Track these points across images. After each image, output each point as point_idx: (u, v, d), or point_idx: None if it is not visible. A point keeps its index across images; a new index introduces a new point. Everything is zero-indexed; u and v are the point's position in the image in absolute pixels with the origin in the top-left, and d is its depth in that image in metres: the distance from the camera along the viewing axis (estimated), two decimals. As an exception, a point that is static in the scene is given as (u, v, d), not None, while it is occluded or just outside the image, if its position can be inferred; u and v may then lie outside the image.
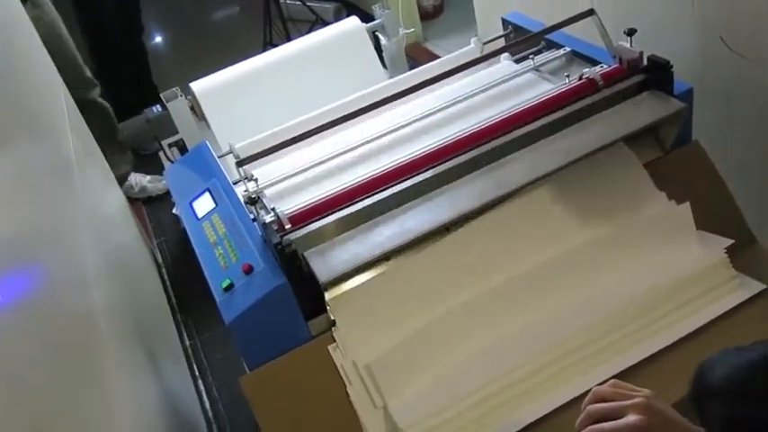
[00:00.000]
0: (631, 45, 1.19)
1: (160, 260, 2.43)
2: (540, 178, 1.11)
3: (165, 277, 2.33)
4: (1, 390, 0.59)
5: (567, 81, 1.26)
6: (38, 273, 0.89)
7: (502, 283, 1.06)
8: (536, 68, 1.37)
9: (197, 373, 1.93)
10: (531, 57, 1.39)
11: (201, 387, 1.89)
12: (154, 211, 2.72)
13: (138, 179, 2.79)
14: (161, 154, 1.98)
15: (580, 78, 1.23)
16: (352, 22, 1.84)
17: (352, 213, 1.08)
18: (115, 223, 1.87)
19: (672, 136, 1.17)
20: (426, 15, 3.43)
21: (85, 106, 2.33)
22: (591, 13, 1.25)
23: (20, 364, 0.66)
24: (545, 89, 1.29)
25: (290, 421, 1.01)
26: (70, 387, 0.79)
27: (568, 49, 1.38)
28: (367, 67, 1.80)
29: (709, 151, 1.18)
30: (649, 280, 1.05)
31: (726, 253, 1.07)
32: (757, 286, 1.05)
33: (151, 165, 2.81)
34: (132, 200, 2.70)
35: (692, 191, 1.12)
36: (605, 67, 1.24)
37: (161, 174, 2.64)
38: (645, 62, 1.19)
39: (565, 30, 1.33)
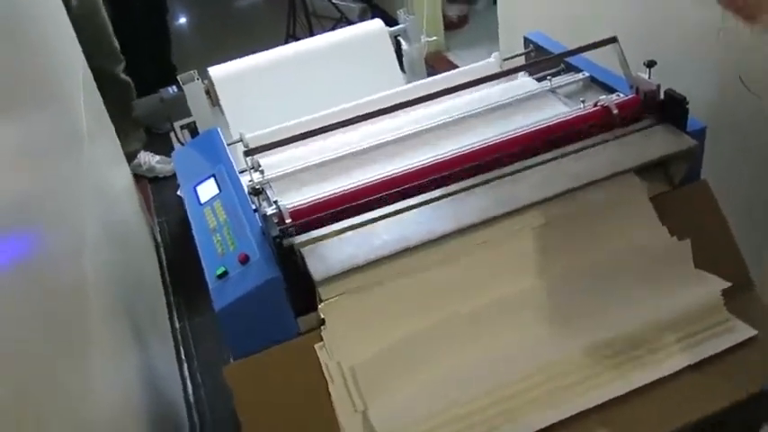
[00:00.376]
0: (650, 77, 1.19)
1: (159, 240, 2.43)
2: (546, 200, 1.10)
3: (163, 257, 2.33)
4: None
5: (582, 106, 1.26)
6: (35, 238, 0.89)
7: (494, 301, 1.05)
8: (553, 90, 1.37)
9: (183, 357, 1.93)
10: (549, 78, 1.39)
11: (186, 371, 1.89)
12: (159, 191, 2.73)
13: (148, 158, 2.80)
14: (172, 135, 1.98)
15: (595, 105, 1.23)
16: (376, 24, 1.85)
17: (353, 215, 1.07)
18: (118, 199, 1.88)
19: (681, 172, 1.17)
20: (450, 25, 3.43)
21: (107, 79, 2.34)
22: (613, 40, 1.25)
23: (6, 326, 0.66)
24: (559, 111, 1.29)
25: (269, 415, 1.01)
26: (54, 354, 0.79)
27: (587, 75, 1.38)
28: (385, 70, 1.80)
29: (717, 187, 1.17)
30: (641, 313, 1.05)
31: (721, 295, 1.07)
32: (748, 332, 1.04)
33: (162, 144, 2.81)
34: (139, 177, 2.71)
35: (694, 229, 1.12)
36: (622, 96, 1.24)
37: (170, 154, 2.64)
38: (662, 95, 1.18)
39: (585, 54, 1.33)
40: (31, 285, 0.80)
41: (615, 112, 1.19)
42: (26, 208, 0.90)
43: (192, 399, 1.80)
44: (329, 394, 1.01)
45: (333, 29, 3.25)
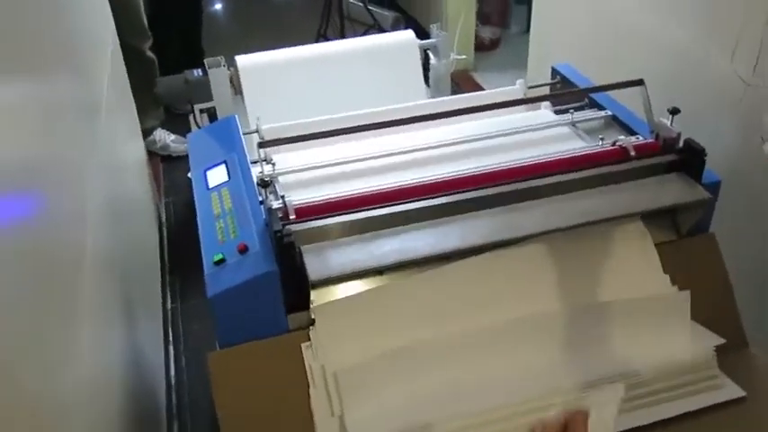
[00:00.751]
0: (671, 124, 1.18)
1: (164, 219, 2.44)
2: (551, 231, 1.10)
3: (165, 237, 2.34)
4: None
5: (600, 143, 1.25)
6: (38, 200, 0.89)
7: (485, 326, 1.05)
8: (573, 123, 1.37)
9: (170, 338, 1.93)
10: (571, 111, 1.39)
11: (171, 353, 1.89)
12: (170, 170, 2.74)
13: (163, 136, 2.81)
14: (191, 117, 1.99)
15: (613, 144, 1.23)
16: (408, 35, 1.85)
17: (357, 220, 1.07)
18: (128, 173, 1.88)
19: (690, 223, 1.16)
20: (481, 46, 3.44)
21: (133, 55, 2.35)
22: (640, 83, 1.25)
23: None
24: (576, 146, 1.29)
25: (245, 407, 1.01)
26: (40, 320, 0.79)
27: (609, 113, 1.37)
28: (410, 81, 1.80)
29: (725, 242, 1.17)
30: (631, 359, 1.04)
31: (714, 351, 1.06)
32: (736, 392, 1.03)
33: (179, 124, 2.83)
34: (152, 154, 2.71)
35: (696, 281, 1.11)
36: (641, 139, 1.24)
37: (186, 135, 2.65)
38: (681, 143, 1.18)
39: (611, 92, 1.32)
40: (26, 248, 0.80)
41: (632, 153, 1.19)
42: (33, 170, 0.90)
43: (173, 381, 1.80)
44: (308, 395, 1.00)
45: (364, 34, 3.27)
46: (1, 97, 0.81)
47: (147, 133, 2.67)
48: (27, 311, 0.74)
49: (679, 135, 1.18)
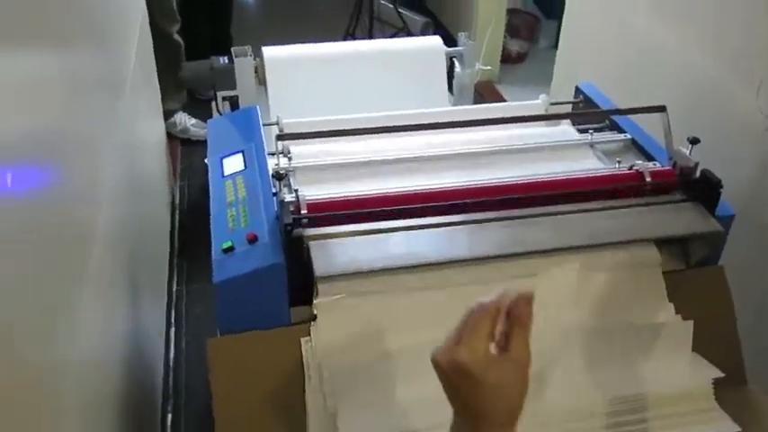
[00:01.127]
0: (690, 153, 1.18)
1: (177, 202, 2.45)
2: (560, 250, 1.10)
3: (176, 219, 2.35)
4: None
5: (617, 165, 1.25)
6: (55, 173, 0.91)
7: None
8: (591, 144, 1.37)
9: (173, 320, 1.95)
10: (590, 131, 1.39)
11: (173, 335, 1.90)
12: (188, 154, 2.76)
13: (183, 119, 2.83)
14: (213, 103, 2.00)
15: (630, 167, 1.22)
16: (435, 41, 1.86)
17: (369, 221, 1.08)
18: (146, 153, 1.90)
19: (700, 254, 1.16)
20: (508, 58, 3.44)
21: (160, 37, 2.37)
22: (662, 109, 1.24)
23: (6, 248, 0.67)
24: (593, 166, 1.29)
25: (240, 396, 1.02)
26: (45, 292, 0.80)
27: (628, 137, 1.37)
28: (434, 87, 1.81)
29: (734, 275, 1.16)
30: (628, 386, 1.04)
31: (712, 384, 1.06)
32: (731, 427, 1.03)
33: (201, 109, 2.84)
34: (171, 137, 2.73)
35: (700, 313, 1.11)
36: (658, 165, 1.24)
37: (207, 121, 2.67)
38: (698, 173, 1.18)
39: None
40: (40, 218, 0.81)
41: (648, 179, 1.18)
42: (54, 141, 0.91)
43: (171, 362, 1.81)
44: (304, 390, 1.01)
45: (392, 37, 3.28)
46: (27, 69, 0.82)
47: (168, 115, 2.69)
48: (33, 282, 0.75)
49: (697, 165, 1.18)
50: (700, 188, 1.16)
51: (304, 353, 1.03)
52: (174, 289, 2.06)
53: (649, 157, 1.29)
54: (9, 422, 0.64)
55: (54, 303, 0.83)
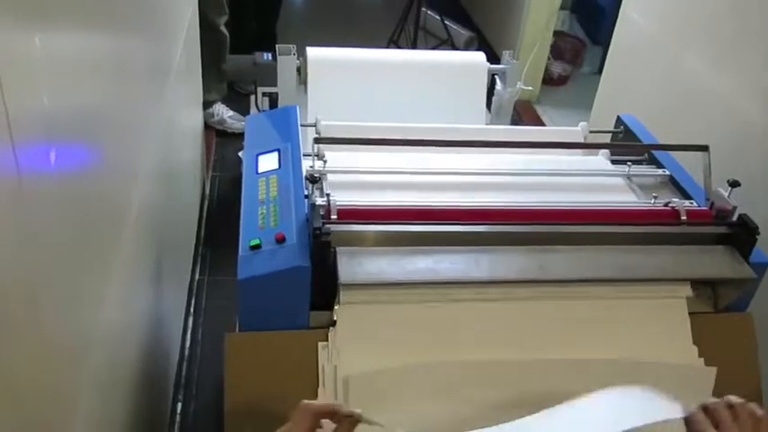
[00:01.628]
0: (729, 196, 1.16)
1: (207, 192, 2.47)
2: (587, 281, 1.09)
3: (205, 210, 2.37)
4: (16, 237, 0.60)
5: (652, 201, 1.23)
6: (97, 151, 0.92)
7: (502, 362, 1.04)
8: (628, 176, 1.35)
9: (192, 310, 1.96)
10: (628, 163, 1.37)
11: (190, 324, 1.91)
12: (222, 145, 2.78)
13: (222, 111, 2.85)
14: (252, 99, 2.02)
15: (666, 204, 1.21)
16: (478, 57, 1.86)
17: (397, 233, 1.08)
18: (183, 141, 1.92)
19: (730, 299, 1.14)
20: (550, 80, 3.42)
21: (207, 28, 2.40)
22: (704, 148, 1.23)
23: (41, 220, 0.68)
24: (628, 199, 1.27)
25: (252, 393, 1.02)
26: (74, 266, 0.80)
27: (666, 172, 1.35)
28: (473, 103, 1.80)
29: (763, 321, 1.14)
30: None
31: (731, 433, 1.03)
32: (747, 479, 1.01)
33: (239, 103, 2.87)
34: (208, 127, 2.76)
35: (723, 359, 1.09)
36: (694, 204, 1.22)
37: (244, 115, 2.69)
38: (735, 217, 1.16)
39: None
40: (78, 194, 0.82)
41: (683, 218, 1.17)
42: (97, 121, 0.93)
43: (186, 352, 1.82)
44: (316, 394, 1.01)
45: (435, 48, 3.28)
46: (78, 49, 0.83)
47: (206, 105, 2.71)
48: (65, 255, 0.76)
49: (735, 208, 1.16)
50: (735, 232, 1.14)
51: (320, 357, 1.03)
52: (197, 278, 2.08)
53: (686, 195, 1.27)
54: (31, 388, 0.65)
55: (81, 279, 0.84)
